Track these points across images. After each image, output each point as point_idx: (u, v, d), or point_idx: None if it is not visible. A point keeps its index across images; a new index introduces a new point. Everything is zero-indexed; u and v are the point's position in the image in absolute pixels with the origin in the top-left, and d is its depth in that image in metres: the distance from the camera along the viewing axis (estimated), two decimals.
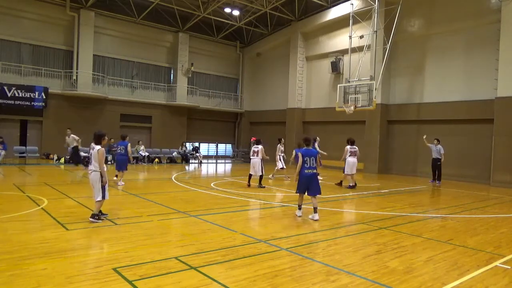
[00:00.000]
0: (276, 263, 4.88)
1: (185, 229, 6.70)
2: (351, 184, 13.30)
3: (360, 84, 18.30)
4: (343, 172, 13.42)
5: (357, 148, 13.34)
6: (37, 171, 16.00)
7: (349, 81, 18.93)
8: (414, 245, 6.07)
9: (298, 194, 8.04)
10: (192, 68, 27.16)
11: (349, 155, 13.12)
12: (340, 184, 13.75)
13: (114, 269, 4.42)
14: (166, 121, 26.58)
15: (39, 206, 8.11)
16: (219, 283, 4.14)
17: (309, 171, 7.65)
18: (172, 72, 27.64)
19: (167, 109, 26.71)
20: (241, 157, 28.65)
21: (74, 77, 22.84)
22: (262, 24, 27.33)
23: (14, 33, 21.38)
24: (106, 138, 8.02)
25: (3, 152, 17.87)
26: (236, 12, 25.20)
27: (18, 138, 21.61)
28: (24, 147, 20.74)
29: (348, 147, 13.15)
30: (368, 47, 18.89)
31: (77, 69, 22.90)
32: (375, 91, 17.61)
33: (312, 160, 7.67)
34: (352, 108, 18.04)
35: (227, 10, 25.00)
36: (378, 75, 18.19)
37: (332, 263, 4.96)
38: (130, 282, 4.06)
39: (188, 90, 27.65)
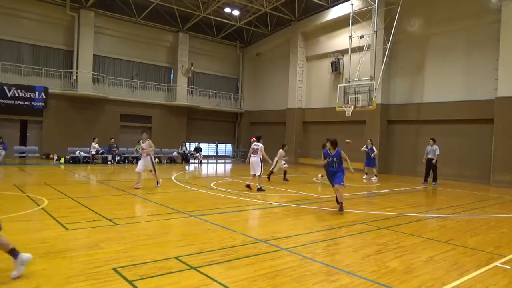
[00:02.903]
0: (276, 263, 4.88)
1: (185, 229, 6.70)
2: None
3: (360, 84, 18.31)
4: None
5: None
6: (37, 171, 16.00)
7: (349, 81, 18.94)
8: (414, 245, 6.06)
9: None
10: (192, 68, 27.17)
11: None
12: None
13: (114, 269, 4.42)
14: (166, 121, 26.58)
15: (39, 206, 8.11)
16: (219, 283, 4.13)
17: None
18: (172, 72, 27.65)
19: (167, 109, 26.72)
20: (241, 157, 28.64)
21: (74, 77, 22.85)
22: (262, 24, 27.34)
23: (14, 33, 21.38)
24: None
25: (3, 152, 17.89)
26: (236, 12, 25.21)
27: (18, 138, 21.61)
28: (24, 147, 20.74)
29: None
30: (368, 47, 18.90)
31: (77, 69, 22.90)
32: (375, 91, 17.62)
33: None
34: (352, 108, 18.05)
35: (227, 10, 25.01)
36: (378, 75, 18.20)
37: (332, 263, 4.96)
38: (130, 282, 4.05)
39: (188, 90, 27.66)
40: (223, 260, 4.94)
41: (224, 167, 23.42)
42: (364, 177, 17.05)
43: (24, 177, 14.17)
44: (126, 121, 25.12)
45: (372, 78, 18.23)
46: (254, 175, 11.82)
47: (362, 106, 18.03)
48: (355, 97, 18.25)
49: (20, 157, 19.98)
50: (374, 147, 17.08)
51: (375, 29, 17.92)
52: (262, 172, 11.76)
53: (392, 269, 4.82)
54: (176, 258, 4.92)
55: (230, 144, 31.52)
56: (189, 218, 7.56)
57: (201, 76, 29.07)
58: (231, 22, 26.70)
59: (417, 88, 19.51)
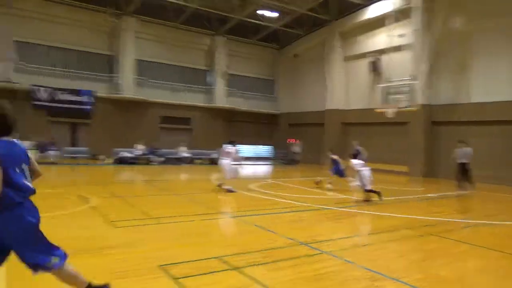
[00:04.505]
0: (319, 266, 4.83)
1: (227, 230, 6.78)
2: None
3: (401, 84, 17.72)
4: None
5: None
6: (86, 171, 16.81)
7: (389, 81, 18.39)
8: (463, 252, 5.79)
9: None
10: (229, 70, 27.50)
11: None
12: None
13: (160, 266, 4.55)
14: (206, 122, 27.06)
15: (88, 204, 8.50)
16: (262, 284, 4.15)
17: None
18: (210, 74, 28.13)
19: (206, 111, 27.22)
20: (280, 159, 28.63)
21: (118, 81, 23.81)
22: (299, 25, 27.18)
23: (62, 40, 22.59)
24: None
25: (56, 153, 18.94)
26: (272, 14, 25.24)
27: (69, 140, 22.81)
28: (74, 148, 21.89)
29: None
30: (409, 45, 18.27)
31: (120, 73, 23.86)
32: (417, 91, 16.98)
33: None
34: (393, 109, 17.52)
35: (264, 12, 25.09)
36: (420, 74, 17.55)
37: (376, 269, 4.83)
38: (175, 280, 4.16)
39: (225, 92, 28.02)
40: (265, 261, 4.95)
41: (263, 169, 23.49)
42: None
43: (75, 176, 14.94)
44: (166, 123, 25.84)
45: (414, 78, 17.60)
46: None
47: (403, 107, 17.44)
48: (396, 98, 17.68)
49: (71, 157, 21.07)
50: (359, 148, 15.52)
51: (416, 27, 17.31)
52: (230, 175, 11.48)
53: (440, 277, 4.62)
54: (218, 258, 4.99)
55: (269, 146, 31.57)
56: (230, 219, 7.65)
57: (238, 78, 29.35)
58: (267, 24, 26.78)
59: (462, 87, 18.57)
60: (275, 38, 29.94)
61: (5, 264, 4.44)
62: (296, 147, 26.86)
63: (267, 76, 31.05)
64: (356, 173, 10.41)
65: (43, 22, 21.91)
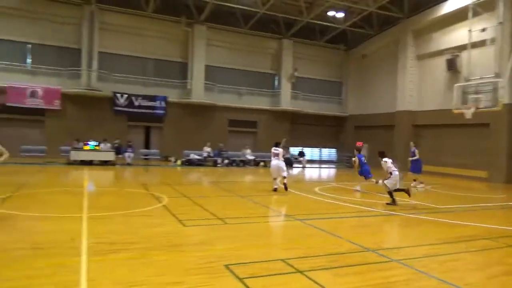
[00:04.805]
0: (388, 274, 4.64)
1: (291, 233, 6.79)
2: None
3: (482, 83, 16.32)
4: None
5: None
6: (158, 171, 17.87)
7: (469, 80, 17.03)
8: None
9: None
10: (296, 73, 27.48)
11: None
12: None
13: (226, 266, 4.69)
14: (271, 125, 27.31)
15: (160, 203, 9.04)
16: None
17: None
18: (276, 78, 28.36)
19: (271, 114, 27.48)
20: (345, 162, 27.92)
21: (189, 87, 24.99)
22: (368, 24, 26.33)
23: (141, 50, 24.28)
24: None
25: (132, 155, 20.42)
26: (340, 15, 24.76)
27: (143, 142, 24.45)
28: (147, 150, 23.40)
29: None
30: (492, 40, 16.78)
31: (191, 79, 25.02)
32: (501, 89, 15.51)
33: None
34: (472, 109, 16.19)
35: (331, 13, 24.71)
36: (505, 71, 16.04)
37: (451, 280, 4.51)
38: (240, 280, 4.26)
39: (291, 95, 28.05)
40: (330, 266, 4.87)
41: (328, 172, 23.11)
42: (412, 184, 14.60)
43: (148, 177, 15.95)
44: (233, 126, 26.54)
45: (497, 75, 16.11)
46: (284, 177, 11.90)
47: (484, 107, 16.03)
48: (476, 97, 16.31)
49: (145, 159, 22.56)
50: (415, 150, 14.90)
51: (500, 20, 15.85)
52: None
53: None
54: (283, 260, 5.01)
55: (334, 149, 30.98)
56: (294, 222, 7.64)
57: (304, 80, 29.19)
58: (335, 25, 26.31)
59: None
60: (342, 39, 29.30)
61: (85, 253, 4.90)
62: (363, 150, 25.96)
63: (334, 78, 30.50)
64: (388, 174, 10.10)
65: (123, 34, 23.76)
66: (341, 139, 30.36)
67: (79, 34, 22.47)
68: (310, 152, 29.63)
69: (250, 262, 4.89)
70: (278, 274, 4.50)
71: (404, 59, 24.12)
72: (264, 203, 9.89)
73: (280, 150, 12.43)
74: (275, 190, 11.87)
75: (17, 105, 20.73)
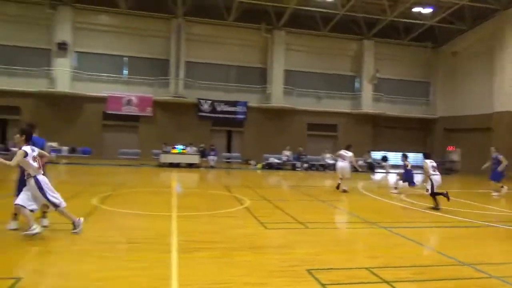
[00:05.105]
0: None
1: (375, 240, 6.52)
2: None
3: None
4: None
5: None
6: (239, 174, 18.45)
7: None
8: None
9: None
10: (378, 74, 26.39)
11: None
12: None
13: (308, 270, 4.67)
14: (351, 129, 26.59)
15: (242, 205, 9.31)
16: None
17: None
18: (356, 80, 27.54)
19: (352, 117, 26.75)
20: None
21: (268, 91, 25.44)
22: (459, 19, 24.30)
23: (221, 57, 25.39)
24: None
25: (215, 158, 21.40)
26: (427, 10, 23.23)
27: (225, 146, 25.46)
28: (229, 154, 24.31)
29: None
30: None
31: (270, 84, 25.44)
32: None
33: None
34: None
35: (417, 9, 23.29)
36: None
37: None
38: (323, 286, 4.21)
39: (373, 97, 26.99)
40: (418, 278, 4.59)
41: (414, 178, 21.72)
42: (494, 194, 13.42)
43: (230, 179, 16.56)
44: (313, 130, 26.36)
45: None
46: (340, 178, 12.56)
47: None
48: None
49: (227, 162, 23.46)
50: (499, 157, 13.21)
51: None
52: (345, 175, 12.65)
53: None
54: (366, 268, 4.84)
55: (420, 154, 29.03)
56: (378, 229, 7.33)
57: (387, 82, 27.91)
58: (421, 22, 24.76)
59: None
60: (430, 36, 27.44)
61: (175, 250, 5.23)
62: (454, 155, 24.03)
63: (420, 78, 28.68)
64: (428, 177, 9.67)
65: (207, 43, 25.12)
66: (428, 142, 28.37)
67: (168, 45, 24.23)
68: (394, 157, 28.09)
69: (332, 268, 4.81)
70: (362, 283, 4.36)
71: (502, 54, 21.81)
72: (346, 208, 9.65)
73: (349, 154, 12.75)
74: (343, 191, 12.31)
75: (115, 113, 23.00)
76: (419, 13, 23.71)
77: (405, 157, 13.22)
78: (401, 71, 28.29)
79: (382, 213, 9.18)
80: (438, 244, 6.33)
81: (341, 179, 12.62)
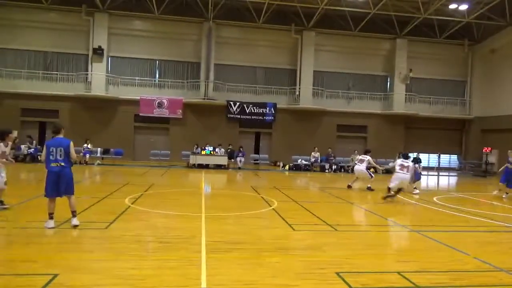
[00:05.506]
0: None
1: (407, 244, 6.37)
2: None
3: None
4: None
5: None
6: (267, 176, 18.44)
7: None
8: None
9: None
10: (411, 74, 25.68)
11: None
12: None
13: (337, 273, 4.62)
14: (382, 130, 26.01)
15: (270, 206, 9.32)
16: None
17: None
18: (388, 80, 26.93)
19: (383, 118, 26.16)
20: (469, 170, 25.07)
21: (297, 93, 25.31)
22: (498, 15, 23.28)
23: (250, 59, 25.50)
24: None
25: (243, 159, 21.50)
26: (463, 7, 22.40)
27: (253, 147, 25.54)
28: (257, 155, 24.37)
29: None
30: None
31: (299, 85, 25.31)
32: None
33: None
34: None
35: (453, 6, 22.50)
36: None
37: None
38: None
39: (406, 97, 26.30)
40: (452, 284, 4.44)
41: (447, 181, 21.03)
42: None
43: (258, 180, 16.57)
44: (342, 131, 25.99)
45: None
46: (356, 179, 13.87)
47: None
48: None
49: (254, 163, 23.52)
50: None
51: None
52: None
53: None
54: (398, 272, 4.73)
55: (455, 155, 28.04)
56: (410, 232, 7.15)
57: (420, 81, 27.11)
58: (457, 19, 23.90)
59: None
60: (466, 34, 26.44)
61: (204, 249, 5.30)
62: (491, 156, 23.03)
63: (455, 77, 27.66)
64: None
65: (236, 46, 25.33)
66: (464, 144, 27.37)
67: (198, 49, 24.60)
68: (427, 158, 27.27)
69: (362, 272, 4.73)
70: (393, 287, 4.26)
71: None
72: (376, 211, 9.45)
73: (366, 158, 13.71)
74: (369, 189, 13.33)
75: (147, 115, 23.59)
76: (455, 9, 22.90)
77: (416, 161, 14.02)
78: (435, 70, 27.39)
79: (414, 216, 8.96)
80: (475, 248, 6.08)
81: (357, 178, 13.97)
